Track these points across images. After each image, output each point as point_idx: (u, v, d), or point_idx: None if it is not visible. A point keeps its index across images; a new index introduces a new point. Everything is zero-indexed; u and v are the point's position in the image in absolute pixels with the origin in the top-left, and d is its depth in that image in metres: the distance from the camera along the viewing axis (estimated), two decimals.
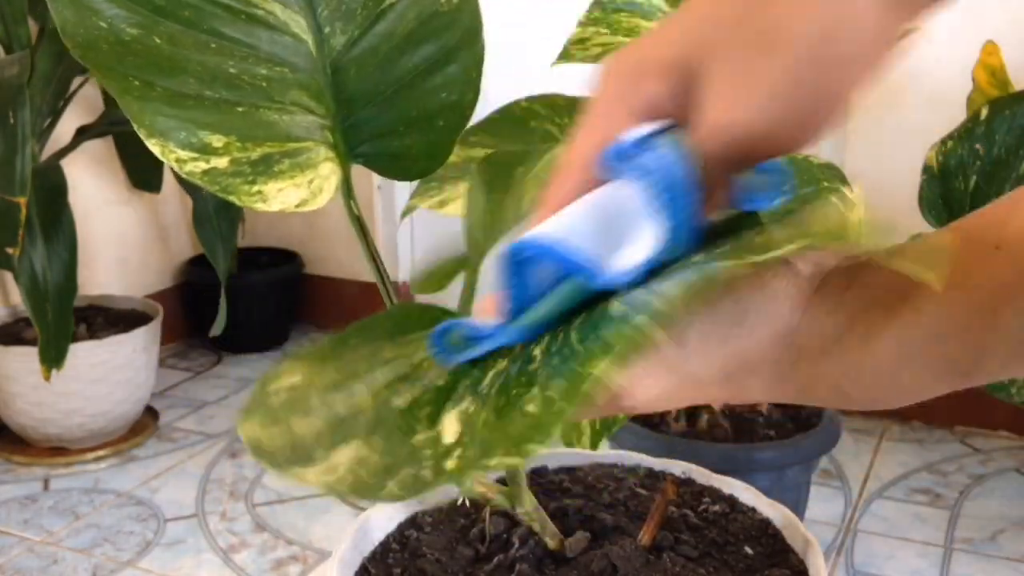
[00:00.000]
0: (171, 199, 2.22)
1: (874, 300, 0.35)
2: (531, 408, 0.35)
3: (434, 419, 0.38)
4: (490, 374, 0.39)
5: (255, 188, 0.50)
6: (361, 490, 0.37)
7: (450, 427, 0.37)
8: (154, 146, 0.47)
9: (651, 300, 0.33)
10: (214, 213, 1.83)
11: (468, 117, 0.60)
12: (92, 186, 2.03)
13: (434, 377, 0.41)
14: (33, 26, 1.64)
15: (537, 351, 0.38)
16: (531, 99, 1.23)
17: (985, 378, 0.35)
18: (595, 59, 1.21)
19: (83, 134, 1.74)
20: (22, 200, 1.33)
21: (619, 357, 0.33)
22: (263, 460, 0.39)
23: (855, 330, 0.36)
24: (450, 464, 0.35)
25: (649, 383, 0.39)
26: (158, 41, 0.50)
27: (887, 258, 0.31)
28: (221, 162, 0.49)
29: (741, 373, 0.39)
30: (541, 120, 1.23)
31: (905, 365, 0.35)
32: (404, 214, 1.05)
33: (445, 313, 0.47)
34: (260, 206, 0.50)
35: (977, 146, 1.14)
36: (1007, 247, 0.33)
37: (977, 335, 0.34)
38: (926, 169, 1.17)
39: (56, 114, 1.72)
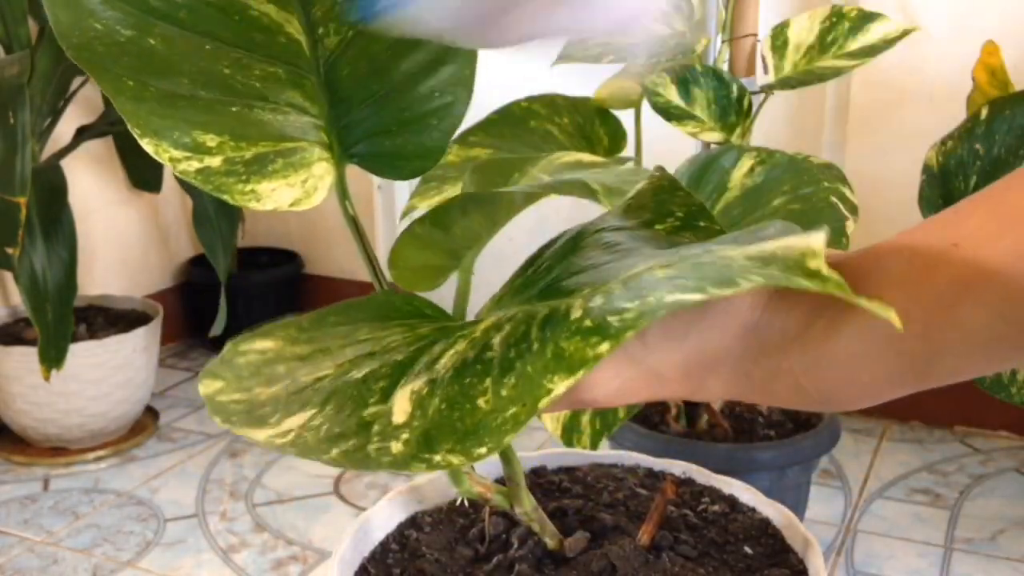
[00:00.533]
0: (171, 199, 2.22)
1: (834, 297, 0.35)
2: (482, 403, 0.35)
3: (388, 393, 0.38)
4: (448, 354, 0.39)
5: (248, 187, 0.50)
6: (304, 451, 0.37)
7: (401, 405, 0.37)
8: (148, 145, 0.47)
9: (612, 319, 0.33)
10: (214, 213, 1.83)
11: (462, 116, 0.60)
12: (92, 186, 2.03)
13: (395, 353, 0.41)
14: (33, 26, 1.64)
15: (497, 339, 0.38)
16: (531, 99, 1.23)
17: (941, 378, 0.35)
18: (595, 59, 1.21)
19: (83, 134, 1.74)
20: (22, 200, 1.33)
21: (578, 373, 0.33)
22: (218, 415, 0.39)
23: (815, 326, 0.36)
24: (396, 447, 0.35)
25: (609, 376, 0.39)
26: (152, 42, 0.51)
27: (848, 297, 0.31)
28: (214, 161, 0.49)
29: (701, 369, 0.39)
30: (541, 120, 1.23)
31: (863, 363, 0.35)
32: (404, 214, 1.05)
33: (429, 306, 0.47)
34: (253, 205, 0.50)
35: (977, 146, 1.14)
36: (964, 244, 0.34)
37: (935, 331, 0.34)
38: (926, 169, 1.17)
39: (56, 114, 1.72)
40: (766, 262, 0.32)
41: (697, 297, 0.32)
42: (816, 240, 0.32)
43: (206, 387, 0.41)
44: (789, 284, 0.31)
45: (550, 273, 0.44)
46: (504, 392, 0.35)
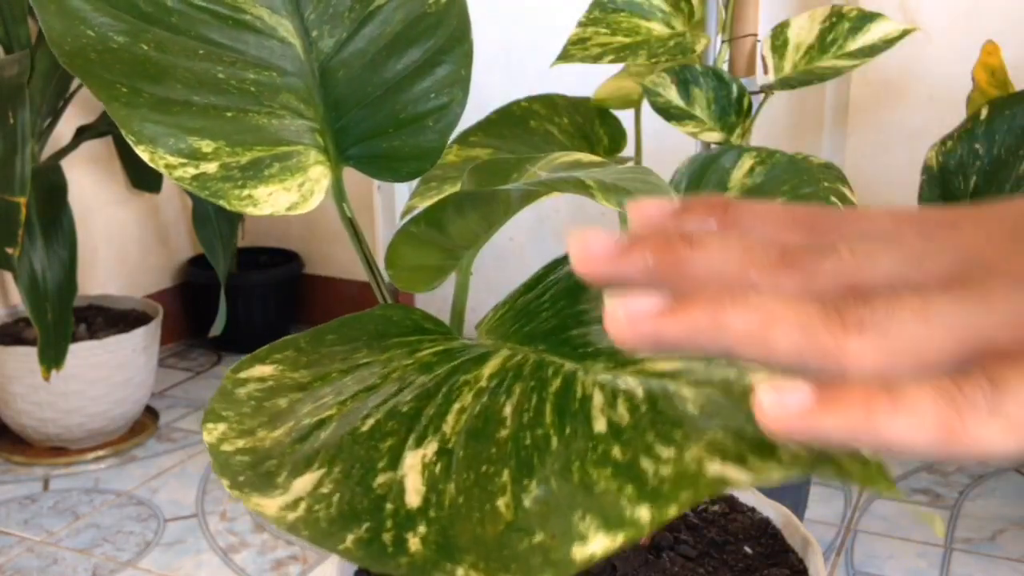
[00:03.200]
0: (171, 199, 2.22)
1: None
2: (502, 507, 0.33)
3: (397, 456, 0.37)
4: (454, 409, 0.37)
5: (245, 192, 0.50)
6: (318, 537, 0.35)
7: (413, 482, 0.35)
8: (143, 152, 0.47)
9: (649, 472, 0.31)
10: (214, 213, 1.83)
11: (459, 117, 0.60)
12: (92, 186, 2.03)
13: (398, 395, 0.40)
14: (33, 26, 1.64)
15: (508, 406, 0.36)
16: (530, 99, 1.23)
17: None
18: (595, 59, 1.21)
19: (83, 134, 1.74)
20: (22, 200, 1.33)
21: (617, 536, 0.30)
22: (225, 478, 0.38)
23: None
24: (413, 543, 0.33)
25: None
26: (145, 48, 0.50)
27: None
28: (210, 167, 0.49)
29: None
30: (541, 120, 1.23)
31: None
32: (403, 215, 1.05)
33: (427, 318, 0.46)
34: (250, 210, 0.50)
35: (977, 146, 1.13)
36: None
37: None
38: (926, 169, 1.17)
39: (56, 114, 1.72)
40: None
41: (742, 476, 0.30)
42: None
43: (210, 433, 0.39)
44: (824, 469, 0.29)
45: (555, 306, 0.43)
46: (528, 503, 0.32)
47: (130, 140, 0.47)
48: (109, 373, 1.69)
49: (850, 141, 1.73)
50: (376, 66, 0.58)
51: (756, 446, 0.30)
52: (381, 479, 0.36)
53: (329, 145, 0.58)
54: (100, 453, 1.73)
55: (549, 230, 1.99)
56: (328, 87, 0.58)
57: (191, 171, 0.48)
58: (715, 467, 0.30)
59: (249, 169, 0.50)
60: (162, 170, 0.47)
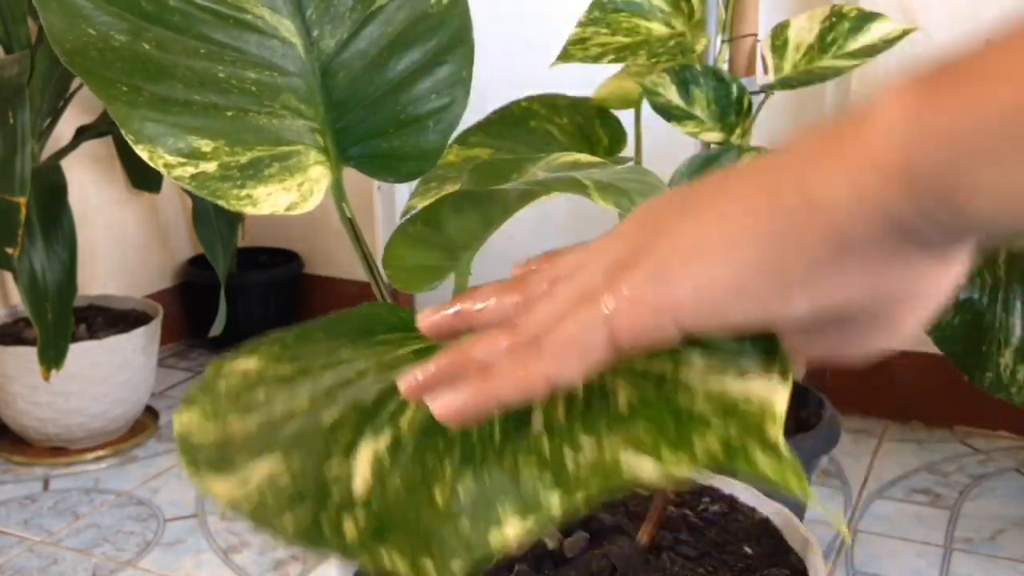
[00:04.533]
0: (171, 199, 2.22)
1: None
2: (438, 496, 0.34)
3: (351, 447, 0.37)
4: (412, 404, 0.38)
5: (244, 192, 0.50)
6: (259, 515, 0.36)
7: (362, 471, 0.36)
8: (142, 151, 0.47)
9: (570, 464, 0.33)
10: (214, 213, 1.83)
11: (460, 117, 0.60)
12: (92, 186, 2.03)
13: (366, 390, 0.40)
14: (33, 26, 1.64)
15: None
16: (530, 99, 1.23)
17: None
18: (595, 59, 1.21)
19: (83, 134, 1.74)
20: (22, 200, 1.33)
21: (527, 520, 0.32)
22: (185, 456, 0.39)
23: None
24: (348, 527, 0.34)
25: None
26: (146, 47, 0.50)
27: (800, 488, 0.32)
28: (210, 166, 0.49)
29: None
30: (541, 120, 1.23)
31: None
32: (404, 215, 1.05)
33: (413, 315, 0.46)
34: (250, 210, 0.50)
35: None
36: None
37: None
38: None
39: (56, 114, 1.72)
40: (727, 413, 0.32)
41: (652, 468, 0.31)
42: (780, 399, 0.32)
43: (179, 419, 0.40)
44: (737, 463, 0.31)
45: None
46: (461, 493, 0.34)
47: (129, 139, 0.47)
48: (109, 373, 1.69)
49: None
50: (377, 66, 0.58)
51: (672, 440, 0.32)
52: (334, 469, 0.37)
53: (329, 145, 0.58)
54: (100, 453, 1.73)
55: (550, 229, 1.99)
56: (329, 87, 0.58)
57: (190, 170, 0.48)
58: (629, 458, 0.32)
59: (249, 169, 0.50)
60: (161, 169, 0.47)
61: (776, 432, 0.31)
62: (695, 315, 0.32)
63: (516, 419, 0.36)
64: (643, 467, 0.32)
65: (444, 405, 0.34)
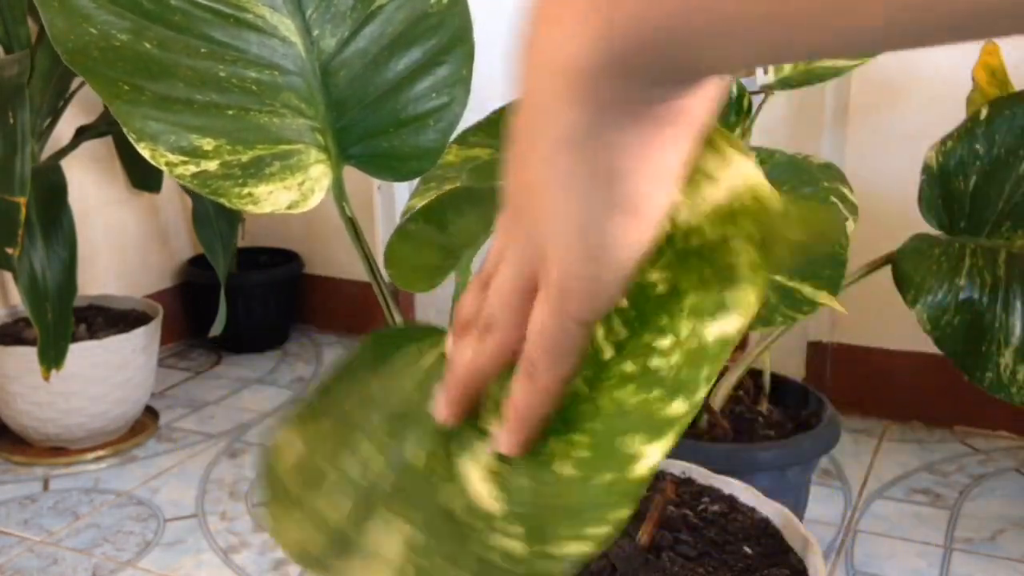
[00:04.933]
0: (171, 199, 2.22)
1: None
2: (569, 471, 0.33)
3: (449, 469, 0.37)
4: (489, 407, 0.38)
5: (245, 190, 0.50)
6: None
7: (480, 488, 0.35)
8: (144, 149, 0.46)
9: None
10: (214, 213, 1.83)
11: (459, 117, 0.60)
12: (92, 186, 2.03)
13: (424, 412, 0.40)
14: (33, 26, 1.64)
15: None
16: None
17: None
18: None
19: (83, 134, 1.74)
20: (22, 200, 1.33)
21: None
22: (312, 569, 0.37)
23: None
24: (510, 545, 0.33)
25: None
26: (148, 46, 0.50)
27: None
28: (211, 165, 0.49)
29: None
30: None
31: None
32: (404, 214, 1.05)
33: (418, 332, 0.46)
34: (251, 208, 0.50)
35: (977, 146, 1.14)
36: None
37: None
38: (926, 169, 1.17)
39: (56, 114, 1.72)
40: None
41: (734, 320, 0.32)
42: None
43: (286, 540, 0.38)
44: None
45: None
46: (585, 452, 0.33)
47: (131, 137, 0.47)
48: (109, 373, 1.69)
49: (850, 141, 1.73)
50: (377, 65, 0.58)
51: (727, 291, 0.33)
52: (457, 505, 0.36)
53: (330, 144, 0.58)
54: (100, 453, 1.73)
55: None
56: (329, 86, 0.58)
57: (192, 169, 0.48)
58: (710, 329, 0.33)
59: (250, 167, 0.50)
60: (163, 168, 0.47)
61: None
62: (610, 268, 0.32)
63: (590, 366, 0.35)
64: (728, 325, 0.32)
65: (505, 447, 0.36)
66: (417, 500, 0.37)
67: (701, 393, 0.31)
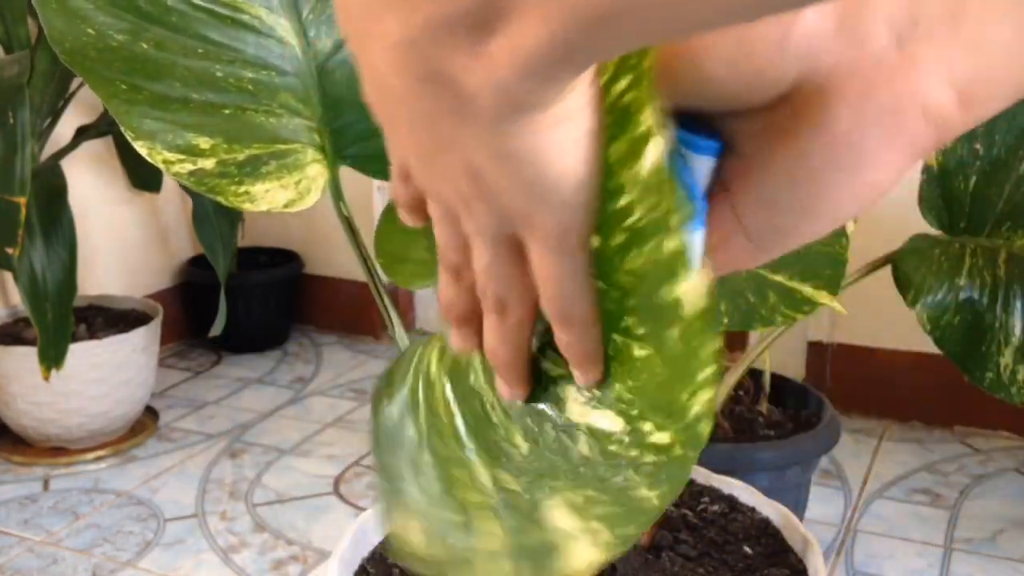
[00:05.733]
0: (171, 199, 2.22)
1: None
2: (644, 492, 0.34)
3: (554, 425, 0.37)
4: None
5: (242, 189, 0.50)
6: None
7: (596, 419, 0.36)
8: (141, 148, 0.47)
9: None
10: (214, 213, 1.83)
11: None
12: (92, 186, 2.03)
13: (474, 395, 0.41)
14: (33, 26, 1.64)
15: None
16: None
17: None
18: None
19: (83, 134, 1.74)
20: (22, 200, 1.33)
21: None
22: None
23: None
24: (663, 438, 0.34)
25: None
26: (145, 46, 0.51)
27: None
28: (208, 163, 0.49)
29: None
30: None
31: None
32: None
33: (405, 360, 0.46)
34: (247, 206, 0.50)
35: (977, 146, 1.13)
36: None
37: None
38: (926, 169, 1.17)
39: (56, 114, 1.72)
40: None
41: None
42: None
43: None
44: None
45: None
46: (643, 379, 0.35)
47: (129, 136, 0.47)
48: (109, 373, 1.69)
49: None
50: None
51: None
52: (577, 449, 0.37)
53: (326, 144, 0.58)
54: (100, 453, 1.73)
55: None
56: (326, 87, 0.58)
57: (188, 167, 0.48)
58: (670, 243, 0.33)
59: (246, 166, 0.50)
60: (160, 165, 0.47)
61: None
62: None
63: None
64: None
65: (590, 381, 0.36)
66: (552, 471, 0.37)
67: (673, 220, 0.32)
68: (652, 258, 0.33)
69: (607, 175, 0.34)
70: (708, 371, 0.32)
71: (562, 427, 0.37)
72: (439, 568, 0.40)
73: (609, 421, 0.35)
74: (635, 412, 0.35)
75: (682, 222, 0.32)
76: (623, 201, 0.33)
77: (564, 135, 0.31)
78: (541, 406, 0.38)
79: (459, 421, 0.41)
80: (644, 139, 0.32)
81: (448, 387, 0.42)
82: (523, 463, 0.38)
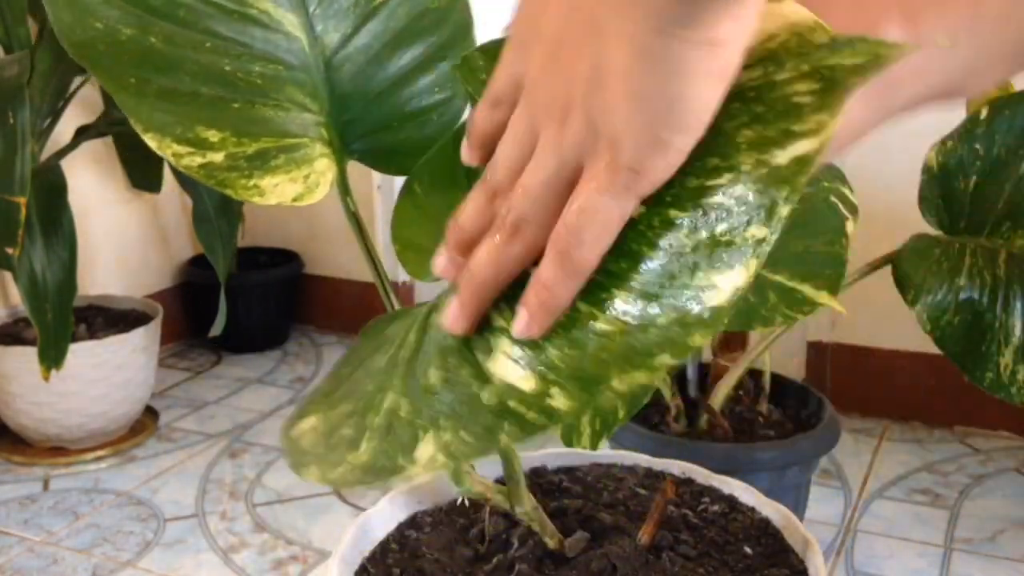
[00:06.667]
0: (171, 199, 2.22)
1: None
2: (610, 326, 0.35)
3: (474, 365, 0.38)
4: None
5: (251, 182, 0.50)
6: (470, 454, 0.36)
7: (514, 372, 0.36)
8: (151, 140, 0.47)
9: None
10: (214, 213, 1.83)
11: (462, 111, 0.60)
12: (92, 186, 2.03)
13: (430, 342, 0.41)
14: (33, 26, 1.64)
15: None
16: None
17: None
18: None
19: (83, 134, 1.74)
20: (22, 200, 1.33)
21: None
22: (348, 485, 0.39)
23: None
24: (560, 404, 0.35)
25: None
26: (153, 40, 0.51)
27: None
28: (217, 156, 0.49)
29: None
30: None
31: None
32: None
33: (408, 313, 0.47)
34: (257, 200, 0.50)
35: (977, 146, 1.14)
36: None
37: None
38: (926, 169, 1.17)
39: (56, 114, 1.72)
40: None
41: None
42: None
43: (312, 477, 0.40)
44: None
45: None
46: (628, 305, 0.34)
47: (138, 128, 0.47)
48: (109, 373, 1.69)
49: None
50: (380, 61, 0.59)
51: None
52: (485, 392, 0.38)
53: (334, 138, 0.58)
54: (100, 453, 1.73)
55: None
56: (333, 81, 0.58)
57: (198, 160, 0.48)
58: None
59: (255, 160, 0.51)
60: (169, 159, 0.47)
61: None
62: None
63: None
64: (801, 147, 0.33)
65: (534, 332, 0.36)
66: (443, 408, 0.38)
67: (782, 211, 0.32)
68: (715, 239, 0.33)
69: (720, 148, 0.33)
70: (665, 359, 0.33)
71: (478, 374, 0.37)
72: (299, 458, 0.40)
73: (525, 381, 0.36)
74: (553, 378, 0.35)
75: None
76: (719, 181, 0.33)
77: (713, 61, 0.31)
78: (468, 350, 0.38)
79: (403, 352, 0.42)
80: (791, 135, 0.32)
81: (419, 325, 0.43)
82: (423, 395, 0.39)
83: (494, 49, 0.45)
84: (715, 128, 0.33)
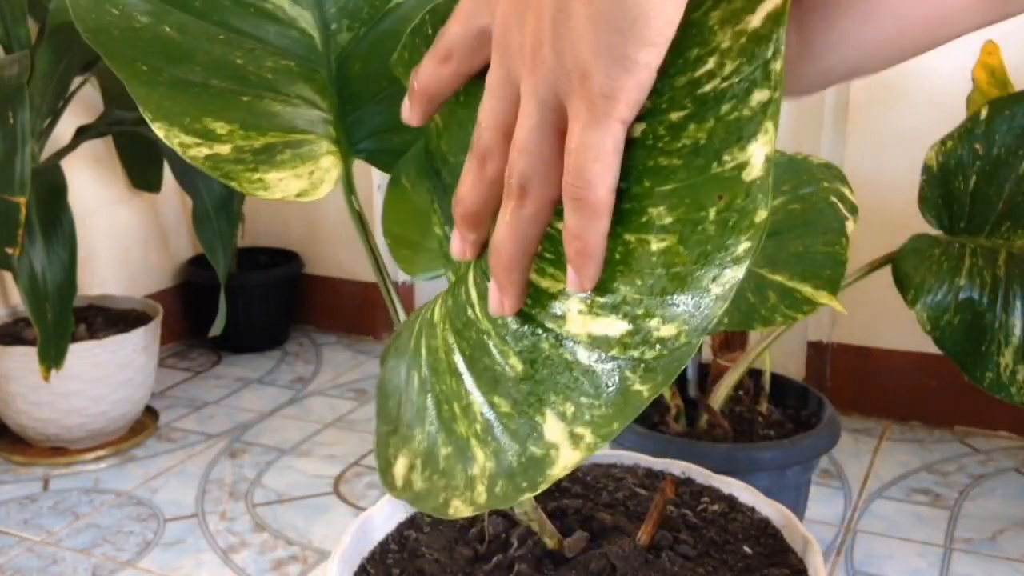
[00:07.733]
0: (171, 199, 2.22)
1: None
2: (662, 243, 0.35)
3: (550, 336, 0.38)
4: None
5: (257, 176, 0.50)
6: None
7: (598, 326, 0.36)
8: (159, 129, 0.47)
9: None
10: (214, 213, 1.82)
11: None
12: (92, 186, 2.03)
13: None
14: (33, 26, 1.64)
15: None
16: None
17: None
18: None
19: (83, 134, 1.74)
20: (22, 200, 1.33)
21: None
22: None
23: None
24: (667, 330, 0.34)
25: None
26: (168, 30, 0.51)
27: None
28: (224, 149, 0.49)
29: None
30: None
31: None
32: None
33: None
34: (261, 194, 0.50)
35: (977, 146, 1.14)
36: None
37: None
38: (926, 169, 1.17)
39: (56, 114, 1.72)
40: None
41: None
42: None
43: (456, 509, 0.41)
44: None
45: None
46: (666, 219, 0.35)
47: (147, 116, 0.47)
48: (109, 373, 1.69)
49: (850, 141, 1.73)
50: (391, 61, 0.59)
51: None
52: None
53: (341, 136, 0.58)
54: (100, 453, 1.73)
55: None
56: (343, 80, 0.59)
57: (204, 151, 0.48)
58: None
59: (262, 154, 0.51)
60: (176, 148, 0.48)
61: None
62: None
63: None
64: (768, 5, 0.33)
65: (589, 284, 0.36)
66: (546, 387, 0.38)
67: (774, 67, 0.32)
68: (724, 120, 0.33)
69: (695, 38, 0.33)
70: (744, 246, 0.32)
71: (559, 343, 0.37)
72: (433, 500, 0.40)
73: (612, 326, 0.35)
74: (640, 311, 0.35)
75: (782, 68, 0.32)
76: (706, 67, 0.33)
77: None
78: (537, 325, 0.38)
79: (456, 356, 0.42)
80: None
81: (448, 325, 0.42)
82: (517, 385, 0.38)
83: (443, 9, 0.44)
84: (686, 23, 0.33)
